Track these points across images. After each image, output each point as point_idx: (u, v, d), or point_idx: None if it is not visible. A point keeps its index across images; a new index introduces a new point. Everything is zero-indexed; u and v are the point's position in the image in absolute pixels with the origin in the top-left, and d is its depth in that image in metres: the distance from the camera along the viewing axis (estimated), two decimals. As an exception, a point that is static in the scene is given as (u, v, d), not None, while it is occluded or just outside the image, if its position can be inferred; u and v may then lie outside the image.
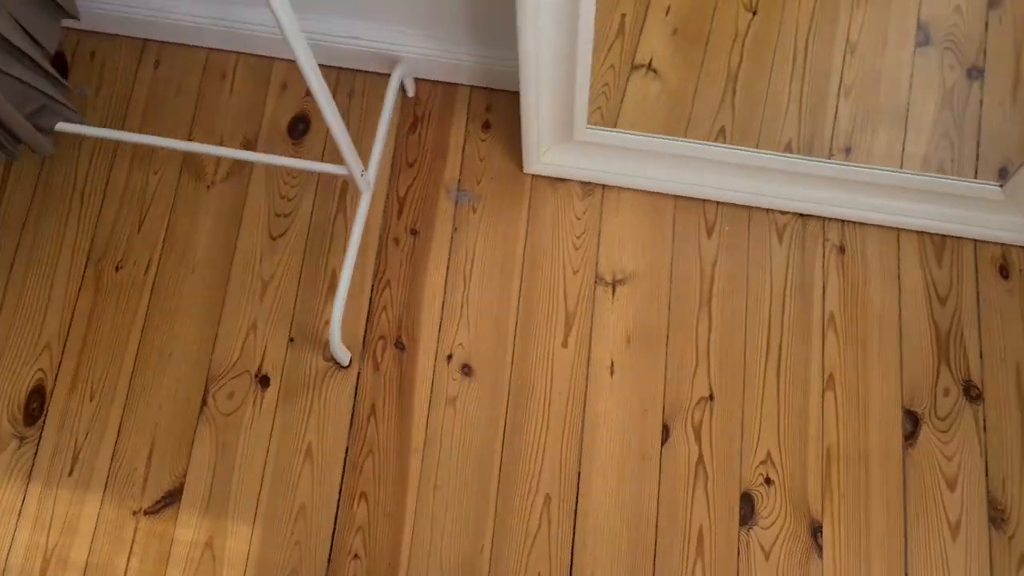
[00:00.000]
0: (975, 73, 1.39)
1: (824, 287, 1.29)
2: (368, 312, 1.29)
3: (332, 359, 1.27)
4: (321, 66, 1.42)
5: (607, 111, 1.39)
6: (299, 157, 1.37)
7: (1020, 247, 1.30)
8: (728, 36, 1.44)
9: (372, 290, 1.30)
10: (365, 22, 1.32)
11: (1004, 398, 1.23)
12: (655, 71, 1.42)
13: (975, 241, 1.31)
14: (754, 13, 1.45)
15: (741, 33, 1.44)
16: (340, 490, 1.21)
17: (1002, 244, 1.30)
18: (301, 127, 1.39)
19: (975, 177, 1.33)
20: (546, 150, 1.33)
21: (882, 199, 1.30)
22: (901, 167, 1.34)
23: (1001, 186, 1.24)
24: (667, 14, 1.46)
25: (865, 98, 1.38)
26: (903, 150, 1.36)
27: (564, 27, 1.08)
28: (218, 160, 1.37)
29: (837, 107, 1.38)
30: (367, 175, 1.22)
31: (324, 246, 1.32)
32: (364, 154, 1.31)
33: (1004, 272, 1.29)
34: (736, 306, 1.29)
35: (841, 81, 1.40)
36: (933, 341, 1.26)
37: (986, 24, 1.42)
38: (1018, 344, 1.26)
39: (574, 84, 1.18)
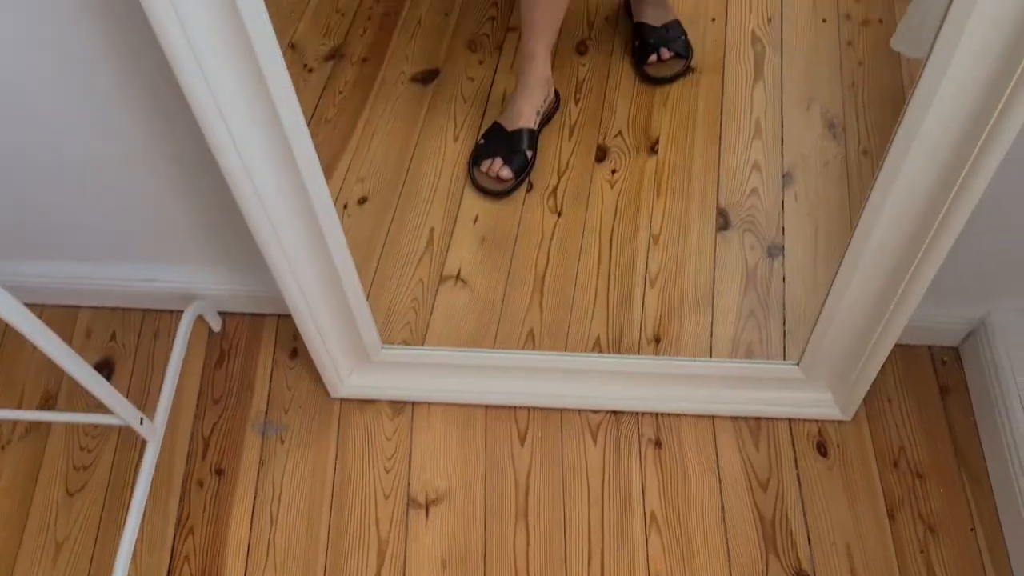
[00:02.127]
0: (775, 251, 1.42)
1: (643, 485, 1.25)
2: (169, 566, 1.22)
3: (129, 622, 1.19)
4: (124, 309, 1.43)
5: (416, 326, 1.39)
6: (99, 407, 1.33)
7: (835, 421, 1.28)
8: (535, 239, 1.46)
9: (174, 540, 1.24)
10: (160, 264, 1.33)
11: (837, 586, 1.17)
12: (464, 281, 1.42)
13: (789, 420, 1.28)
14: (559, 215, 1.48)
15: (547, 235, 1.46)
16: None
17: (817, 420, 1.28)
18: (105, 372, 1.37)
19: (784, 355, 1.32)
20: (348, 373, 1.31)
21: (693, 388, 1.29)
22: (711, 352, 1.33)
23: (798, 364, 1.23)
24: (475, 223, 1.49)
25: (670, 287, 1.39)
26: (711, 334, 1.35)
27: (321, 267, 1.08)
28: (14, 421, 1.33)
29: (644, 298, 1.39)
30: (151, 423, 1.19)
31: (124, 499, 1.27)
32: (157, 399, 1.28)
33: (822, 449, 1.26)
34: (554, 515, 1.24)
35: (647, 272, 1.41)
36: (759, 530, 1.21)
37: (782, 203, 1.46)
38: (845, 523, 1.21)
39: (351, 313, 1.17)
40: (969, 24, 0.76)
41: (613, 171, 1.52)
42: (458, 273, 1.43)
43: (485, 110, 1.61)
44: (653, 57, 1.62)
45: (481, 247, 1.46)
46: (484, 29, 1.74)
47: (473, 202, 1.50)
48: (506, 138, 1.51)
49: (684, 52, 1.63)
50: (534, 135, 1.53)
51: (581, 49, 1.69)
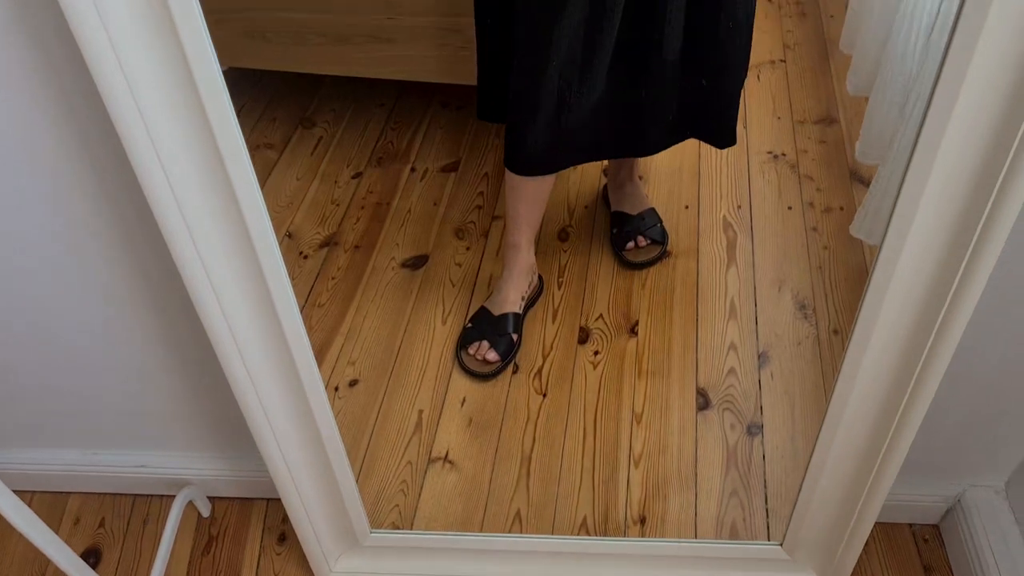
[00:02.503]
0: (755, 429, 1.45)
1: (634, 673, 1.23)
2: None
3: None
4: (114, 495, 1.43)
5: (404, 509, 1.40)
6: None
7: (824, 604, 1.27)
8: (521, 420, 1.49)
9: None
10: (150, 451, 1.35)
11: None
12: (452, 462, 1.45)
13: (778, 603, 1.28)
14: (544, 395, 1.52)
15: (533, 415, 1.50)
16: None
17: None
18: (92, 560, 1.36)
19: (768, 535, 1.33)
20: (336, 559, 1.30)
21: (680, 570, 1.29)
22: (695, 532, 1.34)
23: (781, 544, 1.24)
24: (463, 404, 1.52)
25: (654, 466, 1.42)
26: (696, 514, 1.37)
27: (312, 451, 1.11)
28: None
29: (628, 478, 1.41)
30: (135, 614, 1.18)
31: None
32: (145, 587, 1.27)
33: (813, 633, 1.25)
34: None
35: (631, 451, 1.44)
36: None
37: (759, 382, 1.51)
38: None
39: (341, 497, 1.19)
40: (916, 217, 0.84)
41: (595, 352, 1.58)
42: (446, 455, 1.45)
43: (472, 294, 1.69)
44: (631, 244, 1.71)
45: (468, 428, 1.49)
46: (471, 217, 1.84)
47: (461, 384, 1.54)
48: (493, 322, 1.58)
49: (660, 239, 1.72)
50: (519, 319, 1.60)
51: (563, 236, 1.79)
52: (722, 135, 1.50)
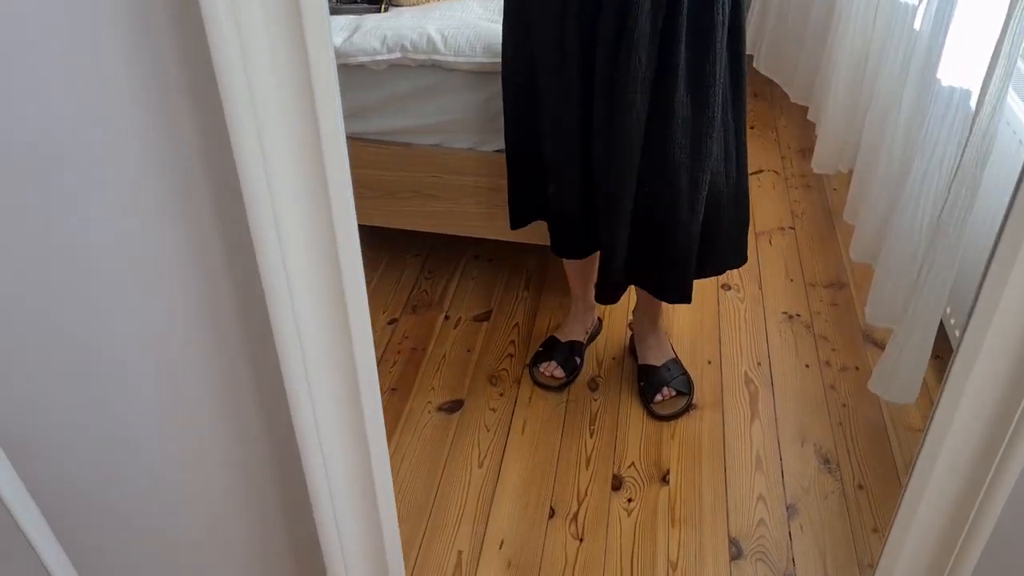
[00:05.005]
0: (788, 580, 1.50)
1: None
2: None
3: None
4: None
5: (447, 651, 1.41)
6: None
7: None
8: (559, 565, 1.53)
9: None
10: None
11: None
12: (492, 605, 1.47)
13: None
14: (581, 540, 1.57)
15: (571, 561, 1.53)
16: None
17: None
18: None
19: None
20: None
21: None
22: None
23: None
24: (501, 547, 1.56)
25: (692, 614, 1.45)
26: (735, 665, 1.39)
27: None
28: None
29: (667, 626, 1.44)
30: None
31: None
32: None
33: None
34: None
35: (668, 599, 1.47)
36: None
37: (789, 533, 1.57)
38: None
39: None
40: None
41: (629, 500, 1.63)
42: (486, 597, 1.48)
43: (507, 438, 1.75)
44: (659, 397, 1.80)
45: (507, 570, 1.52)
46: (504, 365, 1.93)
47: (499, 526, 1.58)
48: (561, 347, 1.89)
49: (685, 389, 1.81)
50: (583, 347, 1.93)
51: (592, 386, 1.87)
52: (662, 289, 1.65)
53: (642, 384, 1.84)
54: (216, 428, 1.06)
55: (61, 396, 0.99)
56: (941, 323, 1.61)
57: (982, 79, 1.36)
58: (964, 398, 0.93)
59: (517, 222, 1.76)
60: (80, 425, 1.02)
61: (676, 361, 1.87)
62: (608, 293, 1.68)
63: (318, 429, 0.97)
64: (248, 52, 0.73)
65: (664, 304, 1.82)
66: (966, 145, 1.37)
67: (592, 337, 1.97)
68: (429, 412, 1.82)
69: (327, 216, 0.84)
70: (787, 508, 1.60)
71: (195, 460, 1.11)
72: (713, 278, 1.97)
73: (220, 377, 1.01)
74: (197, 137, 0.84)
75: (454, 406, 1.83)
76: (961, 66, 1.56)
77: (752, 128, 2.83)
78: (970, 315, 0.90)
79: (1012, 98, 1.59)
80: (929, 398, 1.77)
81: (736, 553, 1.53)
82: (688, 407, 1.80)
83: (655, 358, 1.86)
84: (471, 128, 1.90)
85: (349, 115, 1.88)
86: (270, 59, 0.75)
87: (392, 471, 1.69)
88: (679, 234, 1.53)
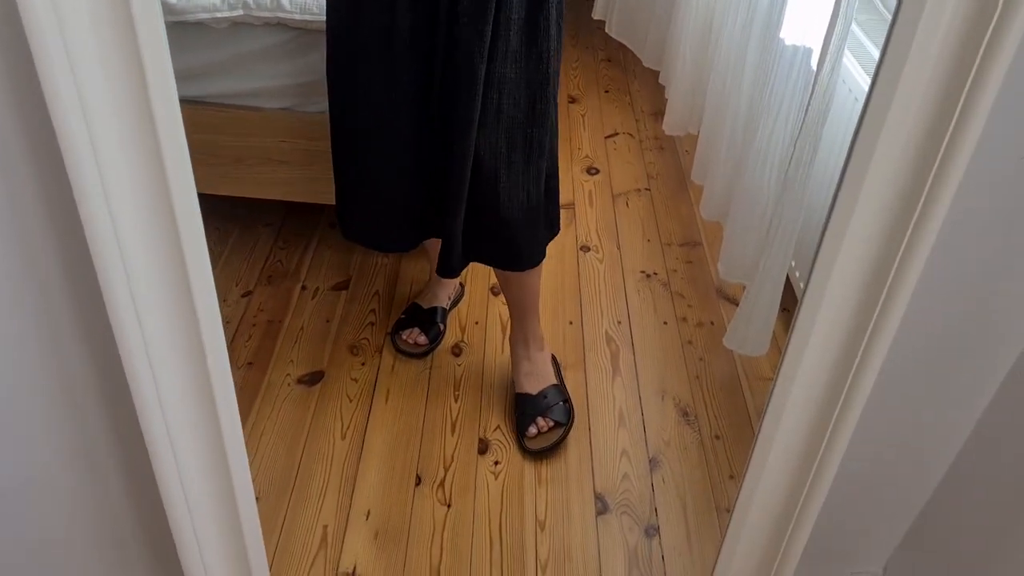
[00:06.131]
0: (652, 531, 1.54)
1: None
2: None
3: None
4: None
5: (315, 628, 1.38)
6: None
7: None
8: (427, 531, 1.51)
9: None
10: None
11: None
12: (360, 577, 1.45)
13: None
14: (448, 506, 1.56)
15: (439, 527, 1.52)
16: None
17: None
18: None
19: (672, 632, 1.40)
20: None
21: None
22: (605, 634, 1.40)
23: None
24: (367, 518, 1.53)
25: (560, 571, 1.47)
26: (604, 616, 1.42)
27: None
28: None
29: (536, 584, 1.45)
30: None
31: None
32: None
33: None
34: None
35: (537, 557, 1.49)
36: None
37: (652, 485, 1.61)
38: None
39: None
40: (810, 342, 0.96)
41: (496, 463, 1.63)
42: (354, 569, 1.45)
43: (370, 408, 1.72)
44: (532, 429, 1.65)
45: (375, 541, 1.49)
46: (365, 334, 1.88)
47: (365, 498, 1.55)
48: (424, 313, 1.86)
49: (564, 418, 1.66)
50: (445, 313, 1.90)
51: (456, 351, 1.86)
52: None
53: (517, 414, 1.68)
54: (53, 421, 0.98)
55: None
56: (787, 277, 1.67)
57: (823, 37, 1.40)
58: (808, 348, 0.96)
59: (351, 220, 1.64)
60: None
61: (557, 387, 1.70)
62: (449, 267, 1.55)
63: (163, 410, 0.91)
64: (63, 14, 0.67)
65: (537, 322, 1.72)
66: (809, 103, 1.42)
67: (455, 303, 1.96)
68: (288, 385, 1.76)
69: (163, 185, 0.78)
70: (649, 461, 1.64)
71: (31, 457, 1.03)
72: (572, 241, 1.98)
73: (57, 368, 0.94)
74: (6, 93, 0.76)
75: (314, 378, 1.78)
76: (803, 25, 1.62)
77: (607, 92, 2.86)
78: (812, 267, 0.93)
79: (846, 56, 1.66)
80: (778, 348, 1.84)
81: (602, 508, 1.56)
82: (564, 438, 1.64)
83: (531, 385, 1.69)
84: (323, 91, 1.83)
85: (187, 76, 1.78)
86: (90, 17, 0.68)
87: (251, 448, 1.64)
88: (514, 194, 1.44)
